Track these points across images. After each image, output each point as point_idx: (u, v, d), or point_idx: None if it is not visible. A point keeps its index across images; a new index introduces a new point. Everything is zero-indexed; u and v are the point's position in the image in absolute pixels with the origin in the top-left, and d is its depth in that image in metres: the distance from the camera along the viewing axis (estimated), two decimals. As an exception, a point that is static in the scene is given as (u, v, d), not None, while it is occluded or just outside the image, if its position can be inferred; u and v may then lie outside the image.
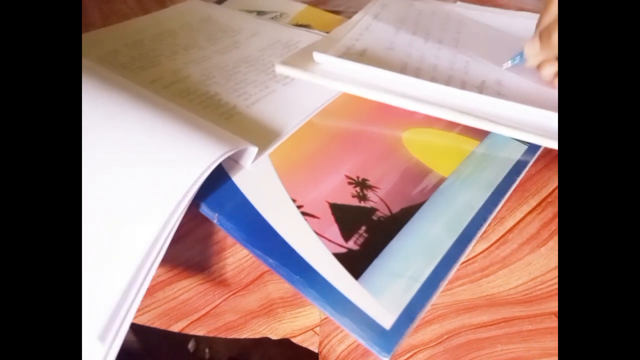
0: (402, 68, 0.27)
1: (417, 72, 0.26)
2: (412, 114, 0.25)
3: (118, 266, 0.18)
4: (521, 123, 0.22)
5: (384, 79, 0.25)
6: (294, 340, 0.28)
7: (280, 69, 0.27)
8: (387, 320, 0.16)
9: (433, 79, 0.25)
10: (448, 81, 0.25)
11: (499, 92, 0.24)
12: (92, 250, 0.18)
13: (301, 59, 0.27)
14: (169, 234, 0.18)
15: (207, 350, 0.56)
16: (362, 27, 0.32)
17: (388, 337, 0.15)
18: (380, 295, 0.16)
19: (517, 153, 0.23)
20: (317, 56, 0.26)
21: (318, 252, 0.18)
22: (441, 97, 0.24)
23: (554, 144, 0.21)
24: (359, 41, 0.30)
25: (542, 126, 0.22)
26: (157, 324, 0.26)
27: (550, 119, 0.22)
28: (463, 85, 0.25)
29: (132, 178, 0.19)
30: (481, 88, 0.25)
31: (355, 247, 0.18)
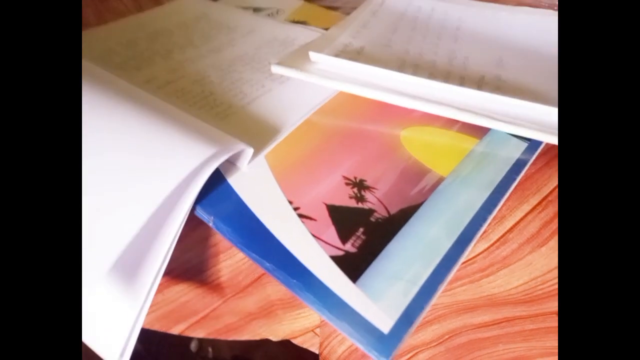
0: (400, 65, 0.26)
1: (415, 69, 0.26)
2: (410, 112, 0.25)
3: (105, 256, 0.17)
4: (521, 118, 0.22)
5: (382, 77, 0.25)
6: (294, 341, 0.28)
7: (276, 69, 0.26)
8: (385, 324, 0.15)
9: (431, 76, 0.24)
10: (446, 77, 0.25)
11: (499, 87, 0.24)
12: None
13: (297, 58, 0.27)
14: (176, 234, 0.18)
15: (210, 350, 0.56)
16: (359, 25, 0.32)
17: (386, 342, 0.15)
18: (379, 298, 0.16)
19: (517, 151, 0.22)
20: (314, 55, 0.26)
21: (315, 255, 0.17)
22: (439, 94, 0.23)
23: (554, 139, 0.21)
24: (356, 39, 0.29)
25: (542, 121, 0.21)
26: (156, 327, 0.26)
27: (550, 114, 0.22)
28: (462, 81, 0.24)
29: (125, 179, 0.19)
30: (480, 84, 0.24)
31: (353, 250, 0.18)
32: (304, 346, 0.28)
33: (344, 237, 0.18)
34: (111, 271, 0.17)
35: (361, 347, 0.15)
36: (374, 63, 0.25)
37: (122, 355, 0.17)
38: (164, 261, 0.18)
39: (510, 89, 0.24)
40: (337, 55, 0.26)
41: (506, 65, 0.27)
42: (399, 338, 0.15)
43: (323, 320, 0.27)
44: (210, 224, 0.19)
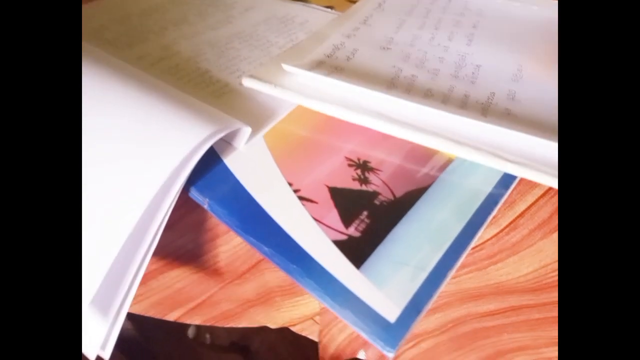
0: (393, 78, 0.22)
1: (410, 81, 0.22)
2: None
3: (101, 250, 0.17)
4: (529, 157, 0.18)
5: (366, 97, 0.21)
6: (293, 329, 0.27)
7: (249, 83, 0.22)
8: (391, 312, 0.14)
9: (427, 93, 0.21)
10: (447, 95, 0.21)
11: (509, 111, 0.20)
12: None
13: (274, 68, 0.23)
14: (163, 218, 0.17)
15: (207, 336, 0.55)
16: (358, 20, 0.28)
17: (393, 331, 0.14)
18: (384, 285, 0.15)
19: (530, 132, 0.21)
20: (287, 68, 0.22)
21: (316, 239, 0.17)
22: (434, 120, 0.19)
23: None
24: (350, 39, 0.25)
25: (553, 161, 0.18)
26: (151, 313, 0.25)
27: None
28: (465, 100, 0.20)
29: (116, 159, 0.18)
30: (487, 105, 0.20)
31: (357, 234, 0.17)
32: (303, 334, 0.28)
33: (347, 221, 0.17)
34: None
35: (366, 337, 0.14)
36: (359, 78, 0.21)
37: (103, 347, 0.17)
38: (149, 248, 0.17)
39: (521, 115, 0.20)
40: (315, 68, 0.22)
41: (525, 79, 0.22)
42: (406, 327, 0.14)
43: (323, 308, 0.26)
44: (206, 207, 0.18)
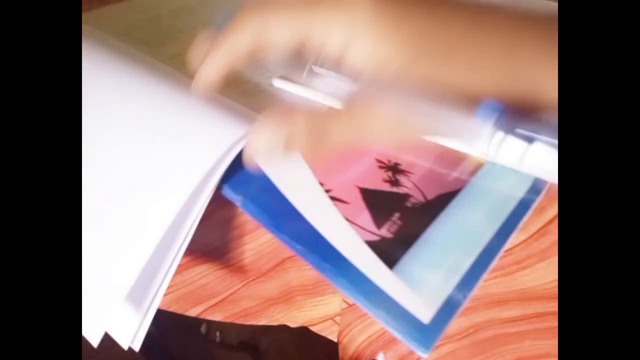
0: None
1: None
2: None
3: (137, 247, 0.17)
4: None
5: None
6: (313, 328, 0.28)
7: (279, 83, 0.23)
8: (425, 314, 0.14)
9: None
10: None
11: None
12: (110, 229, 0.17)
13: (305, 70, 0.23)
14: (197, 215, 0.17)
15: (217, 334, 0.56)
16: None
17: (427, 332, 0.14)
18: (417, 287, 0.15)
19: (560, 139, 0.21)
20: (316, 69, 0.22)
21: (349, 239, 0.17)
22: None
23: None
24: None
25: None
26: (173, 308, 0.26)
27: None
28: None
29: (154, 156, 0.18)
30: None
31: (389, 235, 0.17)
32: (323, 334, 0.28)
33: (379, 222, 0.17)
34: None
35: (400, 337, 0.14)
36: None
37: (132, 340, 0.17)
38: (182, 244, 0.18)
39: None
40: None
41: None
42: (439, 329, 0.14)
43: (343, 309, 0.26)
44: (239, 204, 0.19)
